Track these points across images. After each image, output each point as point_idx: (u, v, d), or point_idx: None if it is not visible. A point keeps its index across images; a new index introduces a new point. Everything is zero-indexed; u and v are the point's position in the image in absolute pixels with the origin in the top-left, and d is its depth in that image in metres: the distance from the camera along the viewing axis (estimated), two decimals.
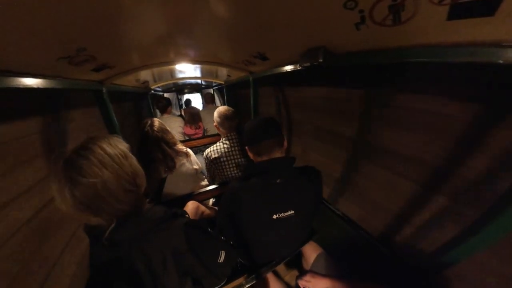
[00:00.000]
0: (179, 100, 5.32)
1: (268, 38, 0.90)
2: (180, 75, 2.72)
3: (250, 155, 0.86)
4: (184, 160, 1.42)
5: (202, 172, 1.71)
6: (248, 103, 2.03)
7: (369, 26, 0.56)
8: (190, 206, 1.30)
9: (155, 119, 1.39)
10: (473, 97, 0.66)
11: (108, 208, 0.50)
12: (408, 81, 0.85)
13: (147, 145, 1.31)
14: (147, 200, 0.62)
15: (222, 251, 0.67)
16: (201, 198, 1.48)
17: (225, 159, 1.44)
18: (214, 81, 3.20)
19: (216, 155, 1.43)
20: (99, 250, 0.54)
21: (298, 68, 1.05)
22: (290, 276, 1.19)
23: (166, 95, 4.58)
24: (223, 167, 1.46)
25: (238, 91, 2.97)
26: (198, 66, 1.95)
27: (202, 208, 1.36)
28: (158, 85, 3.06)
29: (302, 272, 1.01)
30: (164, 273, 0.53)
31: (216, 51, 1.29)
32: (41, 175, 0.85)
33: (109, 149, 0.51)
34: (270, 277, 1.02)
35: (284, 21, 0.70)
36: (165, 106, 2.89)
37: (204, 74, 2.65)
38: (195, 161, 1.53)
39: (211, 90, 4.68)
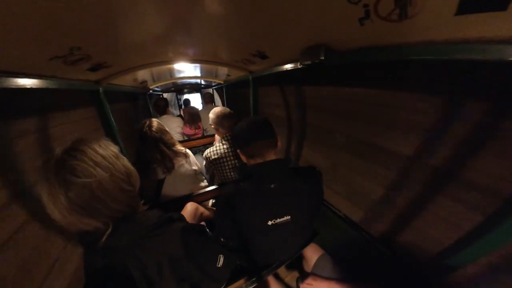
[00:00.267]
0: (179, 100, 5.29)
1: (268, 36, 0.88)
2: (179, 75, 2.70)
3: (243, 158, 0.82)
4: (183, 161, 1.40)
5: (201, 173, 1.69)
6: (248, 102, 2.01)
7: (374, 21, 0.54)
8: (189, 208, 1.28)
9: (154, 119, 1.37)
10: (481, 97, 0.64)
11: (105, 210, 0.48)
12: (412, 80, 0.83)
13: (145, 146, 1.29)
14: (142, 201, 0.60)
15: (221, 255, 0.65)
16: (200, 199, 1.47)
17: (224, 160, 1.42)
18: (213, 80, 3.18)
19: (216, 156, 1.42)
20: (93, 258, 0.52)
21: (299, 67, 1.03)
22: (290, 278, 1.18)
23: (165, 95, 4.56)
24: (223, 168, 1.45)
25: (238, 91, 2.95)
26: (197, 65, 1.93)
27: (201, 209, 1.35)
28: (157, 85, 3.04)
29: (303, 275, 0.99)
30: (161, 280, 0.51)
31: (215, 49, 1.27)
32: (36, 177, 0.83)
33: (100, 150, 0.50)
34: (271, 279, 1.00)
35: (284, 18, 0.68)
36: (163, 107, 2.86)
37: (203, 73, 2.63)
38: (194, 162, 1.51)
39: (210, 90, 4.66)
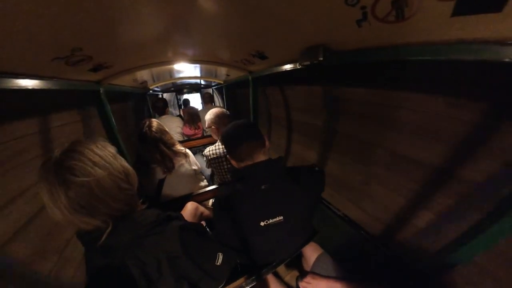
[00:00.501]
0: (178, 100, 5.30)
1: (267, 37, 0.89)
2: (179, 75, 2.71)
3: (233, 163, 0.83)
4: (183, 161, 1.41)
5: (201, 173, 1.70)
6: (248, 102, 2.01)
7: (371, 22, 0.54)
8: (189, 207, 1.28)
9: (153, 119, 1.38)
10: (477, 97, 0.65)
11: (104, 208, 0.49)
12: (409, 80, 0.83)
13: (145, 146, 1.30)
14: (141, 200, 0.61)
15: (220, 253, 0.66)
16: (200, 199, 1.47)
17: (223, 159, 1.43)
18: (213, 80, 3.18)
19: (214, 156, 1.43)
20: (94, 256, 0.53)
21: (298, 67, 1.03)
22: (290, 276, 1.19)
23: (165, 95, 4.57)
24: (221, 168, 1.46)
25: (238, 91, 2.96)
26: (197, 65, 1.94)
27: (201, 209, 1.35)
28: (157, 85, 3.04)
29: (303, 273, 1.00)
30: (160, 278, 0.52)
31: (215, 50, 1.28)
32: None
33: (97, 150, 0.51)
34: (270, 278, 1.01)
35: (284, 18, 0.68)
36: (162, 108, 2.86)
37: (203, 73, 2.63)
38: (194, 162, 1.52)
39: (210, 90, 4.67)
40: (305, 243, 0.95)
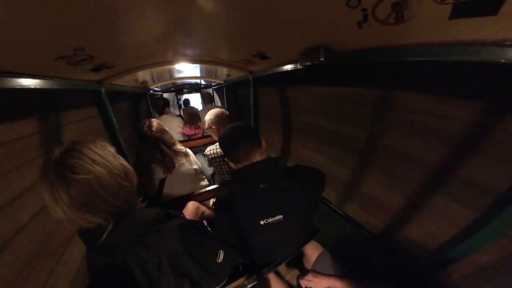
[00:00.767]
0: (178, 100, 5.29)
1: (268, 37, 0.90)
2: (179, 75, 2.71)
3: (232, 165, 0.84)
4: (184, 160, 1.41)
5: (202, 172, 1.70)
6: (248, 102, 2.02)
7: (371, 24, 0.55)
8: (190, 207, 1.29)
9: (153, 119, 1.38)
10: (474, 97, 0.66)
11: (104, 206, 0.50)
12: (408, 80, 0.85)
13: (145, 146, 1.30)
14: (140, 199, 0.62)
15: (221, 251, 0.66)
16: (201, 198, 1.48)
17: (223, 159, 1.43)
18: (213, 80, 3.18)
19: (215, 156, 1.44)
20: (95, 255, 0.54)
21: (299, 67, 1.04)
22: (291, 275, 1.19)
23: (165, 95, 4.55)
24: (222, 167, 1.47)
25: (238, 91, 2.97)
26: (197, 65, 1.94)
27: (202, 208, 1.36)
28: (157, 85, 3.04)
29: (304, 272, 1.01)
30: (160, 276, 0.52)
31: (215, 50, 1.28)
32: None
33: (97, 149, 0.52)
34: (271, 277, 1.02)
35: (285, 19, 0.69)
36: (162, 107, 2.86)
37: (203, 73, 2.63)
38: (195, 161, 1.52)
39: (210, 90, 4.67)
40: (306, 242, 0.95)
